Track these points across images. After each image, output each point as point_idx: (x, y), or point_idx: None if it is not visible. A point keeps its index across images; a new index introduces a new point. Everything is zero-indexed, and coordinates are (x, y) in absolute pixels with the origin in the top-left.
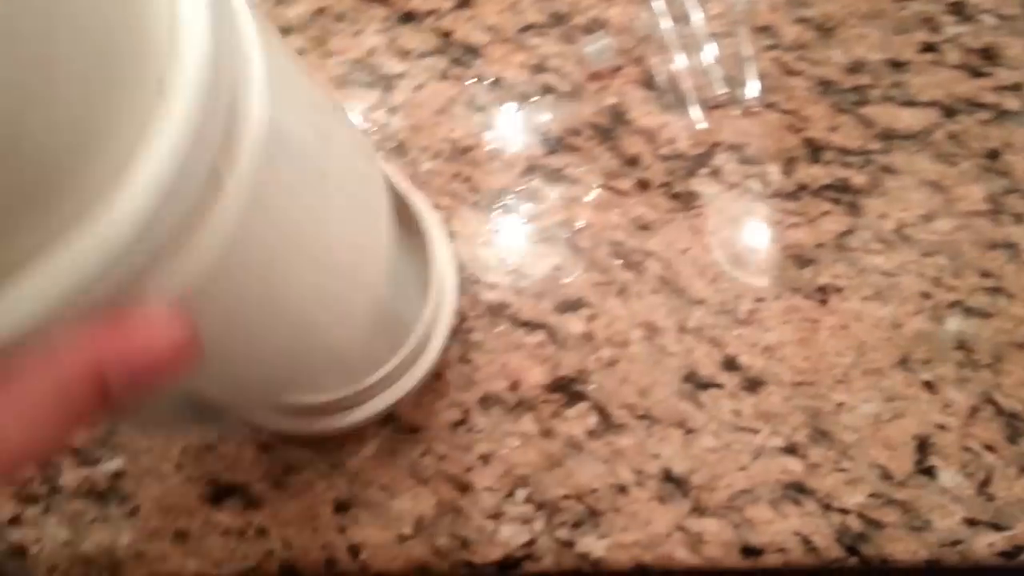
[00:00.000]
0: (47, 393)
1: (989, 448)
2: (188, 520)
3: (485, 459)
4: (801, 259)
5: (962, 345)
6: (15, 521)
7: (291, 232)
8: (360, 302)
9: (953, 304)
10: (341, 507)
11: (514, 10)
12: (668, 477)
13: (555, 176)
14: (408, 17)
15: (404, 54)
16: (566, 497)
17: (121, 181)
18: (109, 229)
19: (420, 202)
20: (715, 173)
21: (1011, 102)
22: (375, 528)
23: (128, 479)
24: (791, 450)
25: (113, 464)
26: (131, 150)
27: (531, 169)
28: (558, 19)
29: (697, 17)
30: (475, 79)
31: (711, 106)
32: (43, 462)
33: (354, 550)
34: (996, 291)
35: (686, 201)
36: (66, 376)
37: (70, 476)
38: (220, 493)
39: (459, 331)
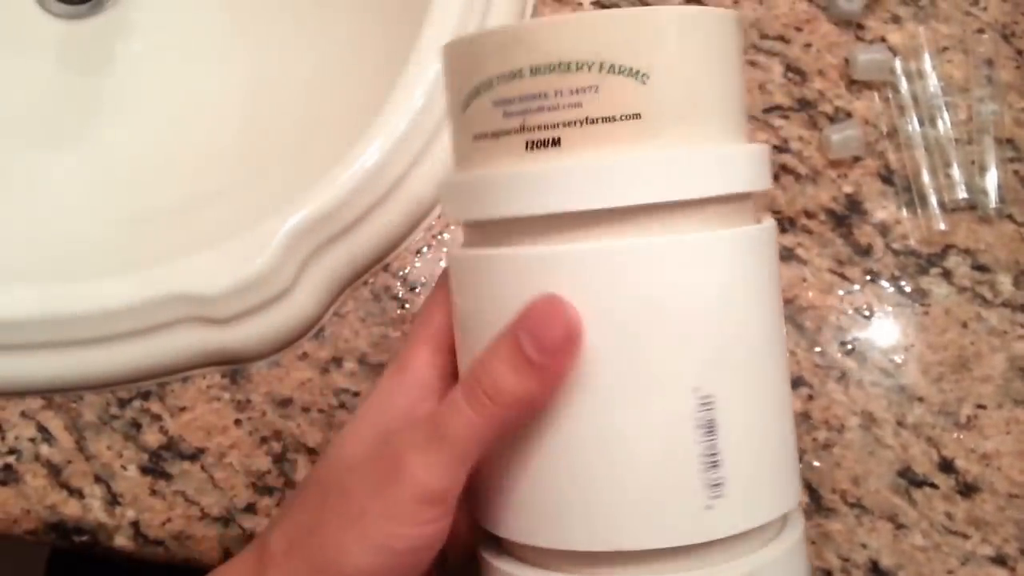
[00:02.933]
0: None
1: None
2: None
3: None
4: None
5: None
6: (249, 509)
7: None
8: None
9: None
10: None
11: (763, 90)
12: (875, 568)
13: (786, 254)
14: None
15: None
16: None
17: None
18: None
19: None
20: (946, 274)
21: None
22: None
23: None
24: (1000, 560)
25: None
26: None
27: None
28: (804, 104)
29: (943, 120)
30: None
31: (948, 208)
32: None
33: None
34: None
35: (914, 298)
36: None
37: (302, 472)
38: None
39: None
